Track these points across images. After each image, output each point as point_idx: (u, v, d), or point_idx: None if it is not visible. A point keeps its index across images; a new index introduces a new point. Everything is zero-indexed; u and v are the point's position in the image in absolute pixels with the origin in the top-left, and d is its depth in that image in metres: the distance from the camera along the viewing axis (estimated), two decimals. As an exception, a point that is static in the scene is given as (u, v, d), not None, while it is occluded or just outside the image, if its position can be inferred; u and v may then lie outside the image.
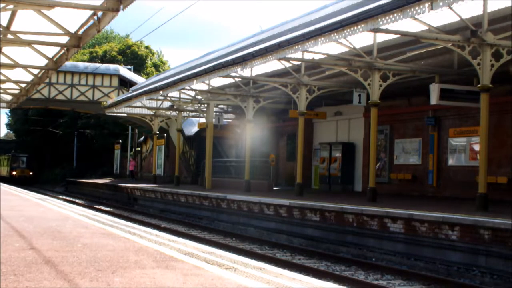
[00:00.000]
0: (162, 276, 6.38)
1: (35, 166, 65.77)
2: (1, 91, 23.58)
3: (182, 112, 33.91)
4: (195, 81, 24.77)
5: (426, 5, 13.04)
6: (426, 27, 15.89)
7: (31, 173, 63.65)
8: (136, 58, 64.54)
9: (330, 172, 29.76)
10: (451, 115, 23.52)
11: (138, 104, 34.82)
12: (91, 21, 12.33)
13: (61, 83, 45.39)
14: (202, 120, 35.90)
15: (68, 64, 42.08)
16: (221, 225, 21.80)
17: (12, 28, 13.60)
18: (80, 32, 13.43)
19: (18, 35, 14.11)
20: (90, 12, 11.72)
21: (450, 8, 14.47)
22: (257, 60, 19.66)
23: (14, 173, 62.69)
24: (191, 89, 28.58)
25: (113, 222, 12.89)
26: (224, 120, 34.47)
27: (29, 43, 14.48)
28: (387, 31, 15.74)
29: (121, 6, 10.62)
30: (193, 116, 37.53)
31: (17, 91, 23.51)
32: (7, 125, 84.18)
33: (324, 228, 17.05)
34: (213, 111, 30.46)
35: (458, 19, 15.39)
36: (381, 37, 18.00)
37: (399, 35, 16.87)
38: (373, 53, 18.34)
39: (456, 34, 15.72)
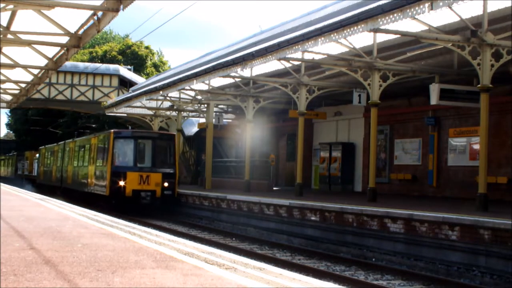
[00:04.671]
0: (162, 276, 6.38)
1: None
2: (1, 91, 23.59)
3: (182, 112, 33.90)
4: (195, 81, 24.78)
5: (426, 5, 13.04)
6: (426, 27, 15.90)
7: (166, 185, 25.55)
8: (136, 58, 64.55)
9: (330, 172, 29.75)
10: (451, 115, 23.52)
11: (138, 104, 34.83)
12: (91, 21, 12.34)
13: (61, 83, 45.43)
14: (202, 120, 35.90)
15: (68, 64, 42.12)
16: (221, 225, 21.79)
17: (12, 28, 13.61)
18: (80, 32, 13.44)
19: (18, 35, 14.12)
20: (90, 12, 11.74)
21: (450, 8, 14.48)
22: (257, 60, 19.67)
23: (121, 183, 24.88)
24: (191, 89, 28.58)
25: (113, 222, 12.88)
26: (224, 120, 34.47)
27: (29, 43, 14.49)
28: (387, 31, 15.74)
29: (121, 6, 10.63)
30: (193, 116, 37.54)
31: (17, 91, 23.52)
32: (7, 125, 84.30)
33: (324, 228, 17.05)
34: (213, 111, 30.46)
35: (458, 19, 15.40)
36: (381, 37, 18.00)
37: (399, 35, 16.87)
38: (373, 53, 18.34)
39: (456, 34, 15.72)
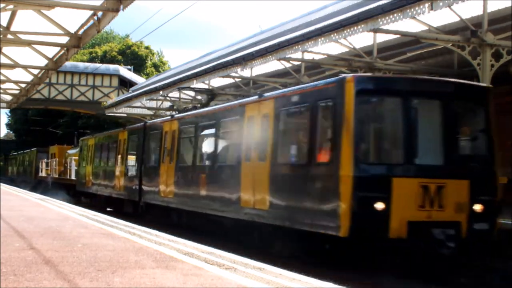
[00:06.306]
0: (162, 276, 6.38)
1: None
2: (1, 91, 23.61)
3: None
4: (195, 81, 24.77)
5: (426, 5, 13.04)
6: (426, 27, 15.90)
7: (478, 209, 11.42)
8: (136, 59, 64.59)
9: (330, 172, 29.57)
10: (451, 115, 23.45)
11: (138, 104, 34.82)
12: (91, 21, 12.37)
13: (61, 83, 45.46)
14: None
15: (68, 64, 42.12)
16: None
17: (12, 28, 13.63)
18: (80, 32, 13.47)
19: (18, 35, 14.14)
20: (90, 12, 11.76)
21: (450, 8, 14.47)
22: (257, 60, 19.65)
23: (379, 207, 10.09)
24: (191, 89, 28.57)
25: (113, 222, 12.89)
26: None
27: (29, 43, 14.51)
28: (387, 31, 15.74)
29: (121, 6, 10.66)
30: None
31: (17, 91, 23.54)
32: (7, 125, 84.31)
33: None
34: (213, 111, 30.39)
35: (458, 19, 15.40)
36: (381, 37, 17.99)
37: (399, 35, 16.87)
38: (373, 53, 18.33)
39: (456, 34, 15.71)
